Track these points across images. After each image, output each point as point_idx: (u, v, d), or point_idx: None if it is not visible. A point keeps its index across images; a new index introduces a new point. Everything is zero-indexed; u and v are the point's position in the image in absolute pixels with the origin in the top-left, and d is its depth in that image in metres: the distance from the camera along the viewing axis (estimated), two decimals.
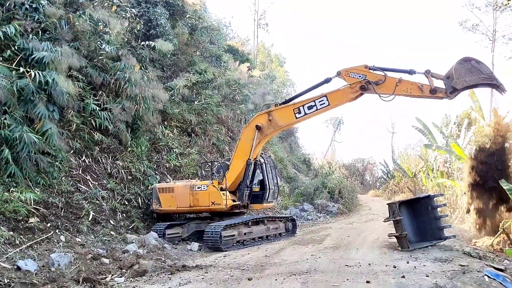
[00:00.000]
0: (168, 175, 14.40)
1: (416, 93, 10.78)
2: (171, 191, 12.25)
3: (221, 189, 11.85)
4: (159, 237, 11.14)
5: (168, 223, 11.99)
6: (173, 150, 15.01)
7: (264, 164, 13.16)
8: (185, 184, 12.32)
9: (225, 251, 10.75)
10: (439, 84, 10.69)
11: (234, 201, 12.16)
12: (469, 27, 38.41)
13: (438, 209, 10.87)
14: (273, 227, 13.21)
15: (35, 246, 8.41)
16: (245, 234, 11.89)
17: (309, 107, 11.63)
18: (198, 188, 11.99)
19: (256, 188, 13.15)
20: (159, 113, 14.72)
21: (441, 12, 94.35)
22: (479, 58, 10.42)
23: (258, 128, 12.05)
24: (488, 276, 7.03)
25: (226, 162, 12.78)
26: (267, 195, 13.05)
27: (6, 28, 10.02)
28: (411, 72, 10.90)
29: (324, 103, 11.54)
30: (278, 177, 14.32)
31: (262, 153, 13.51)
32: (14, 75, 9.79)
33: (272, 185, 13.34)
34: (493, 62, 36.82)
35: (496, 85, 10.26)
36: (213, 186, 11.87)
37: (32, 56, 10.27)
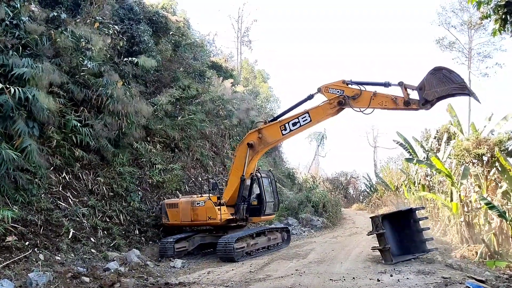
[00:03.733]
0: (150, 191, 14.25)
1: (391, 106, 10.74)
2: (176, 206, 13.00)
3: (220, 204, 12.52)
4: (167, 251, 11.86)
5: (176, 237, 12.39)
6: (156, 166, 14.87)
7: (261, 178, 13.51)
8: (187, 200, 13.01)
9: (237, 261, 11.41)
10: (416, 95, 10.64)
11: (232, 214, 12.68)
12: (446, 45, 39.64)
13: (420, 222, 11.02)
14: (273, 238, 13.98)
15: (12, 266, 8.18)
16: (252, 245, 12.67)
17: (294, 124, 11.96)
18: (197, 204, 12.68)
19: (255, 202, 13.61)
20: (142, 129, 14.62)
21: (419, 30, 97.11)
22: (451, 67, 10.21)
23: (250, 145, 12.55)
24: None
25: (225, 178, 13.43)
26: (264, 208, 13.43)
27: None
28: (386, 84, 10.86)
29: (306, 120, 11.84)
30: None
31: (258, 168, 13.86)
32: None
33: (270, 198, 13.85)
34: (470, 78, 37.95)
35: (468, 94, 10.11)
36: (210, 201, 12.47)
37: (12, 72, 10.15)
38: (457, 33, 39.28)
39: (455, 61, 39.47)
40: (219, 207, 12.41)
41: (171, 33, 20.37)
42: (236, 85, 29.28)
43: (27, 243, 8.99)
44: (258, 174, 13.56)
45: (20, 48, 11.02)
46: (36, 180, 10.23)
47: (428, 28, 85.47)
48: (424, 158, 19.70)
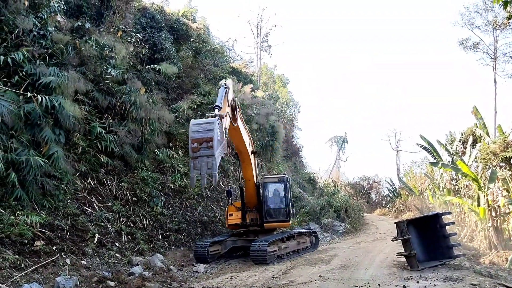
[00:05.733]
0: (172, 196, 14.40)
1: None
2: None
3: (239, 209, 13.51)
4: (203, 253, 12.22)
5: (209, 241, 12.83)
6: (177, 171, 15.02)
7: (261, 185, 13.54)
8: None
9: (268, 264, 11.75)
10: None
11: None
12: (470, 46, 38.69)
13: (447, 227, 10.75)
14: (302, 241, 14.36)
15: (41, 270, 8.35)
16: (283, 248, 13.02)
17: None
18: (225, 208, 14.02)
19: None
20: (164, 135, 14.82)
21: (441, 32, 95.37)
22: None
23: (236, 155, 13.42)
24: None
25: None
26: (264, 214, 13.36)
27: (14, 55, 10.27)
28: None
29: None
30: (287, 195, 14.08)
31: (262, 173, 14.01)
32: (21, 100, 9.96)
33: (276, 204, 13.60)
34: (495, 79, 36.96)
35: None
36: (230, 207, 13.54)
37: (39, 81, 10.46)
38: (481, 34, 38.32)
39: (480, 62, 38.46)
40: (231, 213, 13.41)
41: (191, 40, 20.65)
42: (255, 90, 29.34)
43: (54, 247, 9.17)
44: (264, 180, 13.79)
45: (47, 57, 11.35)
46: (62, 186, 10.46)
47: (450, 29, 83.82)
48: (449, 161, 19.28)
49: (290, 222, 13.65)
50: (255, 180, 13.23)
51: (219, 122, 8.18)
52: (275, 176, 14.42)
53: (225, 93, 10.01)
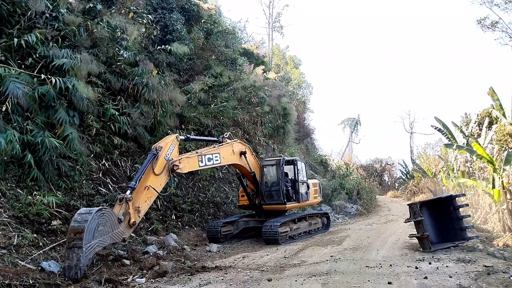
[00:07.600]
0: (185, 177, 14.52)
1: None
2: None
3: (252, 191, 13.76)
4: (216, 234, 12.43)
5: (222, 221, 13.04)
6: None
7: (259, 167, 13.55)
8: None
9: (280, 244, 11.95)
10: None
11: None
12: (488, 25, 37.54)
13: (460, 210, 10.68)
14: (313, 223, 14.60)
15: (58, 248, 8.57)
16: (294, 229, 13.22)
17: None
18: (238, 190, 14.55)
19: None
20: (176, 117, 14.86)
21: (457, 11, 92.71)
22: None
23: None
24: None
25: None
26: (262, 197, 13.34)
27: (27, 37, 10.28)
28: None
29: None
30: (286, 177, 13.82)
31: (262, 158, 14.46)
32: (35, 82, 10.04)
33: (270, 186, 13.38)
34: None
35: None
36: (242, 189, 13.80)
37: (53, 63, 10.50)
38: (501, 12, 37.10)
39: (498, 41, 37.42)
40: (243, 194, 13.77)
41: (203, 21, 20.45)
42: (267, 72, 29.15)
43: None
44: (263, 163, 13.74)
45: (60, 39, 11.35)
46: (77, 167, 10.61)
47: (467, 8, 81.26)
48: (464, 143, 19.01)
49: (287, 205, 13.18)
50: (251, 173, 13.09)
51: (104, 212, 7.71)
52: (273, 158, 14.20)
53: (152, 159, 9.30)
